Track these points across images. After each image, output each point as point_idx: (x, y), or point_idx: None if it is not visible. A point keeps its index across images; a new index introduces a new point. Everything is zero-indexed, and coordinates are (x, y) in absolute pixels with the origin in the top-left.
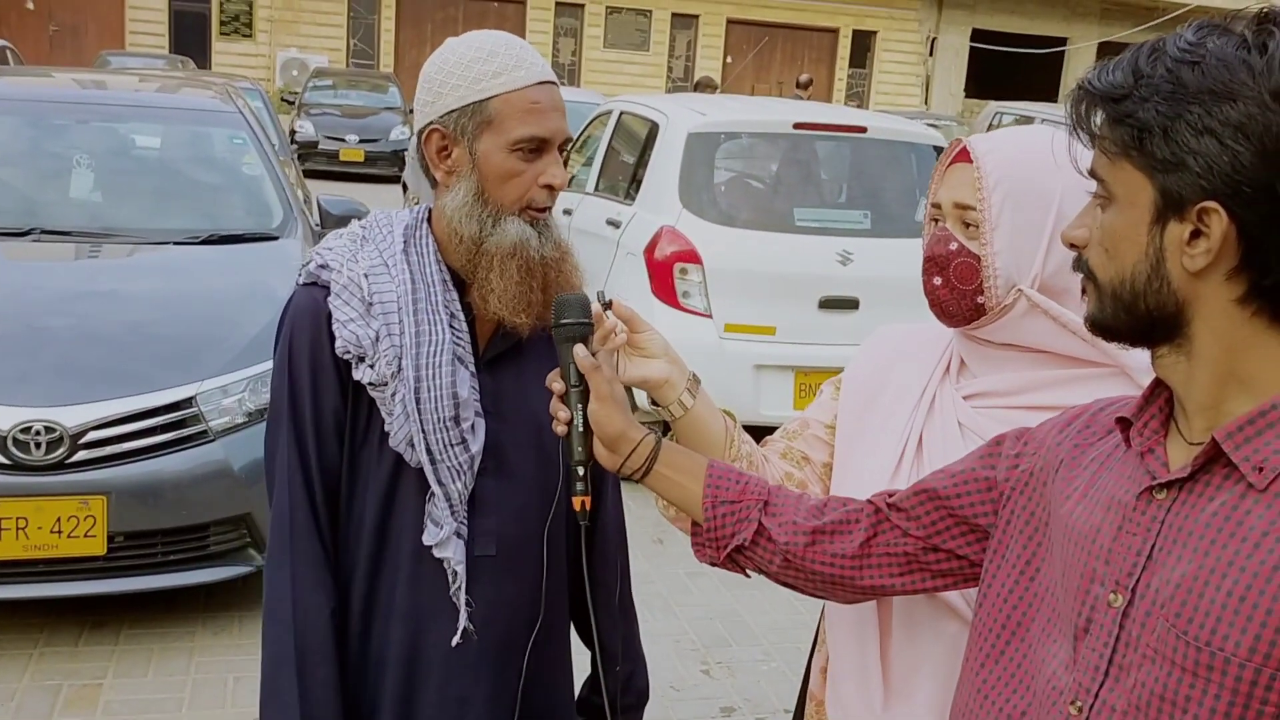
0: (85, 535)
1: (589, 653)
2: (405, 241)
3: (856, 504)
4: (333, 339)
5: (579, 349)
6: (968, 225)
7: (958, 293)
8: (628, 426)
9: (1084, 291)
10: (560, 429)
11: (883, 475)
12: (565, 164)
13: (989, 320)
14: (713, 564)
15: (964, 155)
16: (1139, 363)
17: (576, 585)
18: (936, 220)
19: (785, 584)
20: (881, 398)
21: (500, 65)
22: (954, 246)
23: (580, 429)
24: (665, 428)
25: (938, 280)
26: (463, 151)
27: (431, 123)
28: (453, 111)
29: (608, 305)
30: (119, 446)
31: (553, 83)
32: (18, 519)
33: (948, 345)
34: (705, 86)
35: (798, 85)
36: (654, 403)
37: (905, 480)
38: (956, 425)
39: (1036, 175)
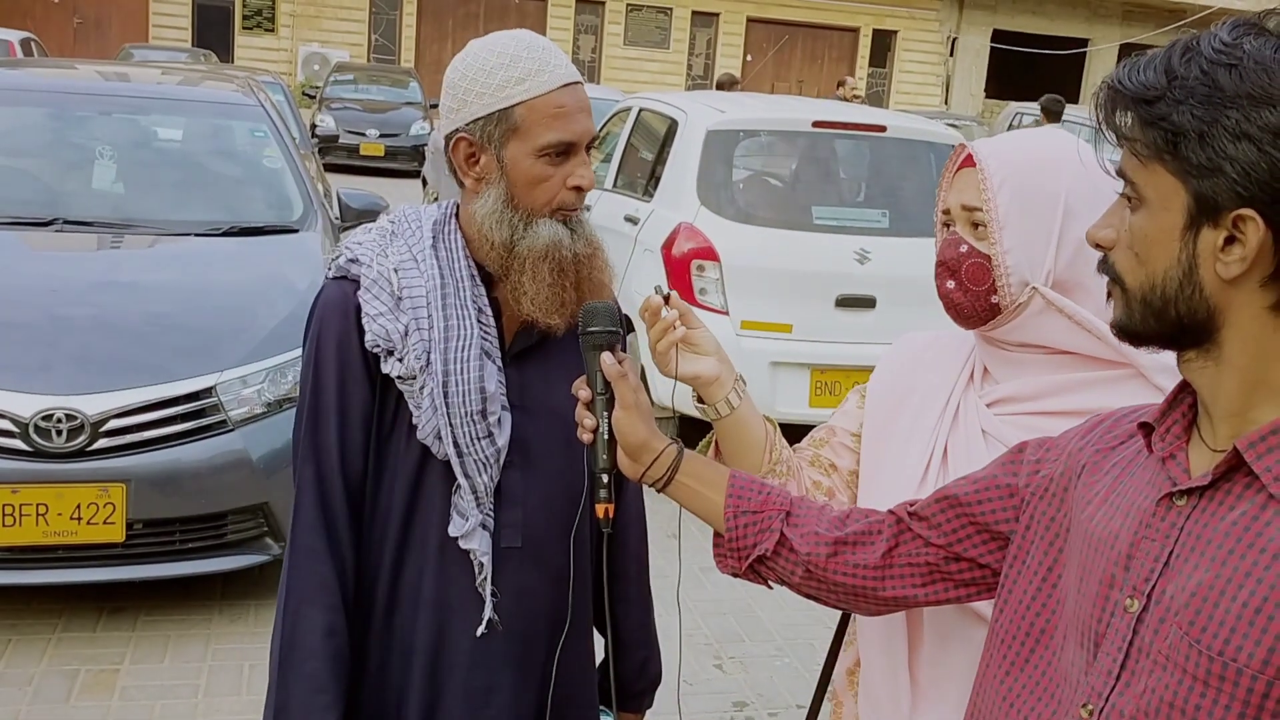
0: (104, 522)
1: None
2: (434, 237)
3: (878, 514)
4: (362, 332)
5: (606, 357)
6: (976, 226)
7: (971, 294)
8: (651, 436)
9: (1109, 296)
10: (586, 436)
11: (909, 485)
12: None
13: (1005, 319)
14: (735, 574)
15: (970, 160)
16: (1154, 363)
17: (598, 578)
18: (948, 225)
19: (808, 595)
20: (906, 407)
21: (524, 71)
22: (964, 249)
23: (605, 437)
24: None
25: (951, 284)
26: (490, 159)
27: (458, 130)
28: (479, 119)
29: (666, 299)
30: (139, 435)
31: (577, 82)
32: (38, 505)
33: (970, 352)
34: (726, 84)
35: (838, 86)
36: (699, 401)
37: (931, 490)
38: (980, 433)
39: (1040, 173)
